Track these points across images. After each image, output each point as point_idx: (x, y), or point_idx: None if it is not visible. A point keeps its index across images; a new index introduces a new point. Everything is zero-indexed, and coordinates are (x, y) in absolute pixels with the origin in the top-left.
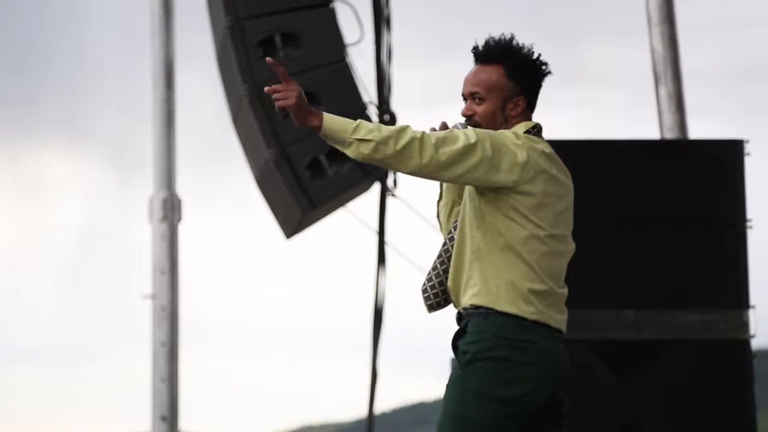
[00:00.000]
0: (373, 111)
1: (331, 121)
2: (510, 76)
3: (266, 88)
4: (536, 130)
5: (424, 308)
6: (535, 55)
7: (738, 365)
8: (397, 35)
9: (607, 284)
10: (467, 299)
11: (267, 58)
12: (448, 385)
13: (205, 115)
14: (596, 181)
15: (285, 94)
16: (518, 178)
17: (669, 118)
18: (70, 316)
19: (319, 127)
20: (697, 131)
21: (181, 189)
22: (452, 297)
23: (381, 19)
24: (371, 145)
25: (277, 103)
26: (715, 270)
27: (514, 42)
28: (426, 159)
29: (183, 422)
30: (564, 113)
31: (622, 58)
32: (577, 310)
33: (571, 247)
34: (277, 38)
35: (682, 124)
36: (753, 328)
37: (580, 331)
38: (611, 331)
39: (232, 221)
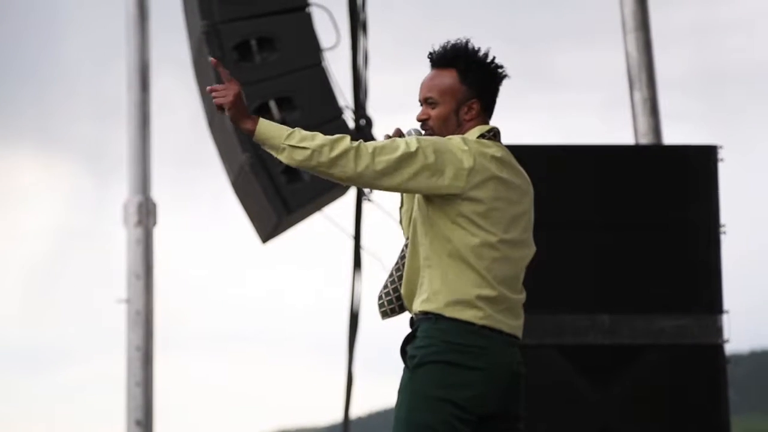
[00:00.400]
0: (349, 115)
1: (266, 126)
2: (463, 80)
3: (207, 88)
4: (492, 133)
5: (378, 315)
6: (490, 58)
7: (712, 370)
8: (377, 38)
9: (581, 289)
10: (417, 305)
11: (210, 59)
12: (398, 392)
13: (180, 119)
14: (569, 186)
15: (223, 93)
16: (464, 185)
17: (643, 123)
18: (44, 320)
19: (252, 131)
20: (671, 136)
21: (156, 193)
22: (406, 303)
23: (357, 24)
24: (306, 152)
25: (214, 101)
26: (689, 275)
27: (469, 46)
28: (361, 167)
29: (158, 427)
30: (537, 117)
31: (597, 62)
32: (551, 315)
33: (528, 251)
34: (253, 42)
35: (656, 129)
36: (727, 332)
37: (554, 336)
38: (586, 336)
39: (208, 225)
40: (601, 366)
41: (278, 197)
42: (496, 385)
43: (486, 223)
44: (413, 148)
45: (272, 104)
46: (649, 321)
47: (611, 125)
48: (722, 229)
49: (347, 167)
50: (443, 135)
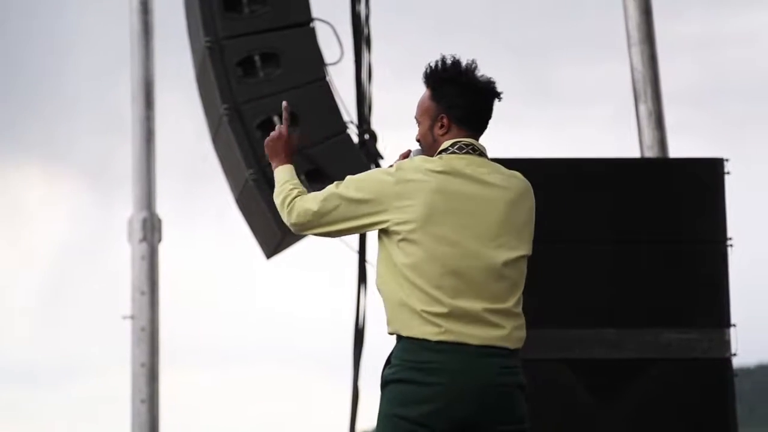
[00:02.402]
0: (353, 130)
1: (279, 171)
2: (433, 97)
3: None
4: (458, 146)
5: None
6: (465, 73)
7: (720, 384)
8: (380, 53)
9: (588, 303)
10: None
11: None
12: None
13: (184, 135)
14: (576, 200)
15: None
16: (392, 208)
17: (649, 136)
18: (49, 337)
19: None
20: (677, 149)
21: (161, 209)
22: None
23: (361, 38)
24: (278, 208)
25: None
26: (696, 288)
27: (447, 62)
28: (298, 220)
29: None
30: (542, 131)
31: (602, 75)
32: (558, 329)
33: (499, 257)
34: (257, 58)
35: (662, 142)
36: (734, 346)
37: (561, 350)
38: (593, 350)
39: (212, 241)
40: (608, 380)
41: None
42: (460, 398)
43: (424, 240)
44: (327, 194)
45: (276, 119)
46: (656, 335)
47: (616, 138)
48: (729, 242)
49: (296, 226)
50: (430, 153)
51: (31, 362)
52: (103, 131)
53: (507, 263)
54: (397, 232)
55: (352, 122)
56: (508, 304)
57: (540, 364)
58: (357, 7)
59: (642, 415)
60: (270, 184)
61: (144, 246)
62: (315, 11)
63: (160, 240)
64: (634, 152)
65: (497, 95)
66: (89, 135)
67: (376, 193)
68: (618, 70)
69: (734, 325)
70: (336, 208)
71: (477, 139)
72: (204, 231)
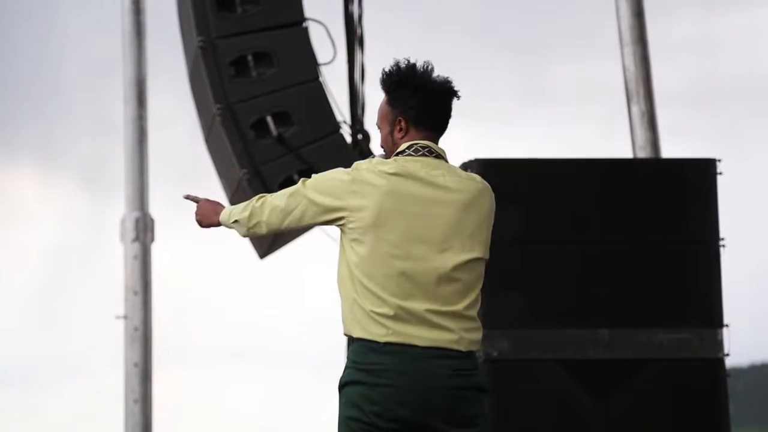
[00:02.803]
0: (346, 130)
1: (224, 215)
2: (389, 102)
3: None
4: (414, 148)
5: None
6: (418, 76)
7: (712, 384)
8: (373, 52)
9: (581, 304)
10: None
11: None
12: None
13: (177, 135)
14: (568, 200)
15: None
16: (346, 206)
17: (641, 136)
18: (42, 336)
19: (218, 223)
20: (669, 150)
21: (154, 209)
22: None
23: (354, 38)
24: (237, 225)
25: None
26: (689, 289)
27: (401, 67)
28: (266, 219)
29: None
30: (534, 131)
31: (594, 75)
32: (552, 330)
33: (445, 261)
34: (250, 57)
35: (654, 142)
36: (727, 346)
37: (555, 350)
38: (586, 350)
39: (205, 241)
40: (601, 380)
41: None
42: (406, 399)
43: (373, 241)
44: (289, 193)
45: (269, 119)
46: (649, 335)
47: (609, 139)
48: (722, 243)
49: (262, 226)
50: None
51: (24, 361)
52: (95, 131)
53: (456, 266)
54: (350, 231)
55: (345, 122)
56: (458, 306)
57: (534, 365)
58: (350, 7)
59: (635, 414)
60: (264, 184)
61: (137, 246)
62: (308, 11)
63: (152, 240)
64: (626, 153)
65: (454, 94)
66: (82, 135)
67: (333, 192)
68: (612, 69)
69: (727, 326)
70: (299, 205)
71: (436, 141)
72: (197, 230)
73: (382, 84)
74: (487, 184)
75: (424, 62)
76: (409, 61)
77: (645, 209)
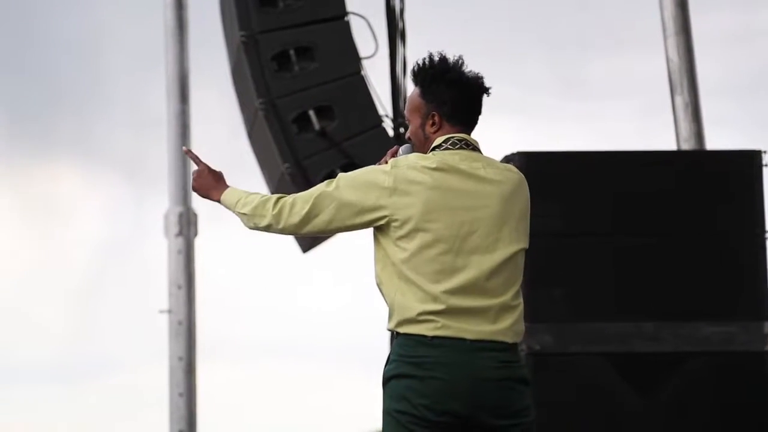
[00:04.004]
0: (388, 124)
1: (227, 196)
2: (423, 95)
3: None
4: (451, 141)
5: None
6: (451, 69)
7: (757, 377)
8: (415, 46)
9: (625, 297)
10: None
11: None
12: None
13: (220, 130)
14: (613, 193)
15: (195, 177)
16: (389, 205)
17: (685, 128)
18: (87, 332)
19: (217, 200)
20: (714, 141)
21: (197, 203)
22: None
23: (395, 32)
24: (248, 218)
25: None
26: (734, 281)
27: (435, 59)
28: (282, 224)
29: None
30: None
31: (635, 67)
32: (596, 323)
33: (494, 253)
34: (292, 52)
35: (698, 134)
36: None
37: (599, 343)
38: (630, 343)
39: (248, 235)
40: (645, 373)
41: None
42: (456, 392)
43: (422, 237)
44: (318, 192)
45: (311, 114)
46: (694, 328)
47: (652, 131)
48: (767, 234)
49: (279, 225)
50: (421, 151)
51: (68, 356)
52: (138, 126)
53: (504, 258)
54: (393, 230)
55: (387, 116)
56: (505, 297)
57: (578, 358)
58: (392, 2)
59: (679, 407)
60: (306, 178)
61: (180, 240)
62: (350, 5)
63: (196, 234)
64: (669, 145)
65: (485, 90)
66: (124, 130)
67: (371, 191)
68: (649, 62)
69: None
70: (326, 208)
71: (469, 134)
72: (240, 225)
73: (415, 77)
74: (521, 174)
75: (456, 56)
76: (441, 54)
77: (689, 201)
